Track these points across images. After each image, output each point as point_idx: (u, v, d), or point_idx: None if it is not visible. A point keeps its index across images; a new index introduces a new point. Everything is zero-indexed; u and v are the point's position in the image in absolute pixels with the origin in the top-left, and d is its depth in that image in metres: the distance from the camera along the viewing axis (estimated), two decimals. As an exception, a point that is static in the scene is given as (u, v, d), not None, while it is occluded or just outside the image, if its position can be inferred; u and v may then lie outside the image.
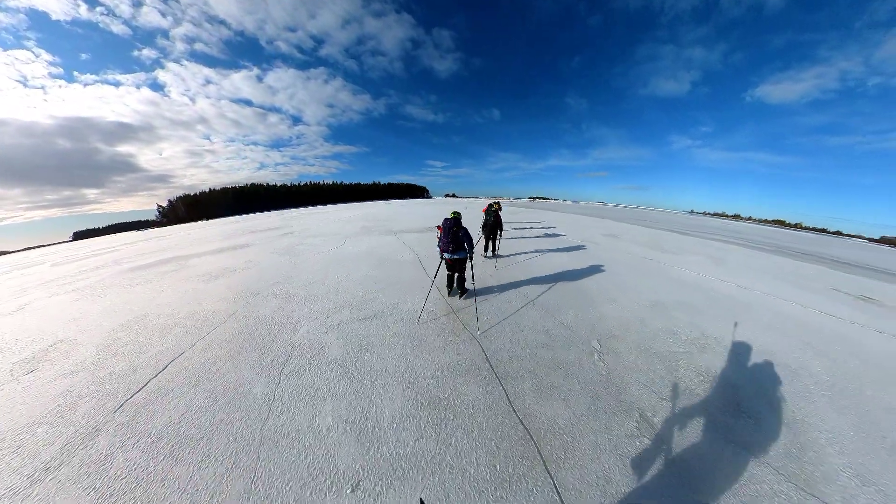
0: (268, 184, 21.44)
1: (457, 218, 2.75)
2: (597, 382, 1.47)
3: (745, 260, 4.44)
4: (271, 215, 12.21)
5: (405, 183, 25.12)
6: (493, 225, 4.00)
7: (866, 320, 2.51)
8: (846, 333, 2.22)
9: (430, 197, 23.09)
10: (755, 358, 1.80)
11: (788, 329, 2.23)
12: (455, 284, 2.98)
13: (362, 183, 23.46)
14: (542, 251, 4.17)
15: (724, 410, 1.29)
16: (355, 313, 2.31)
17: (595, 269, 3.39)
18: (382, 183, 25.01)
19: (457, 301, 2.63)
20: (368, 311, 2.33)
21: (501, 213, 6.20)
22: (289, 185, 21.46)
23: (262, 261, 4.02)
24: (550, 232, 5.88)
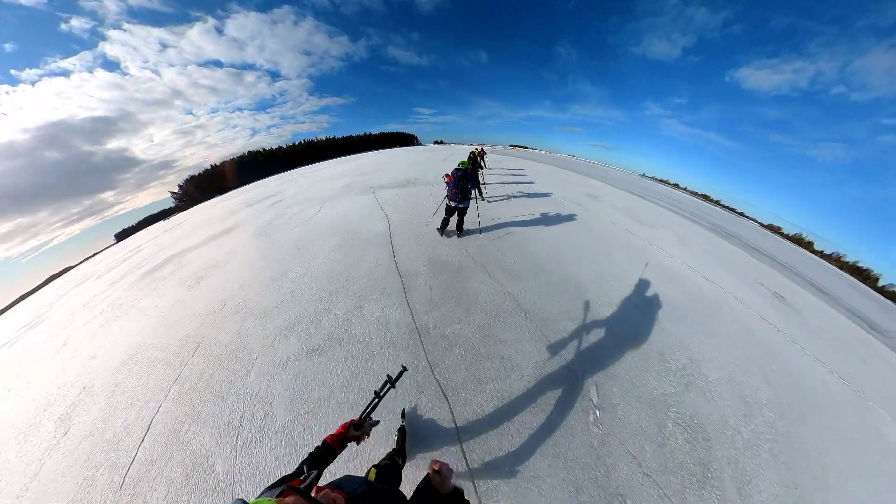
0: (264, 149, 20.20)
1: (465, 169, 2.91)
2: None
3: (703, 243, 4.62)
4: (270, 181, 11.82)
5: (395, 132, 23.08)
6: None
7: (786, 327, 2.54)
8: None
9: (420, 144, 21.45)
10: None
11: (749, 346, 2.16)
12: (452, 227, 3.32)
13: (353, 135, 21.44)
14: (531, 223, 3.73)
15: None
16: (305, 340, 1.93)
17: (594, 255, 3.07)
18: (373, 133, 22.80)
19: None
20: (318, 336, 1.94)
21: (485, 165, 5.23)
22: (284, 146, 20.30)
23: (240, 249, 3.74)
24: (534, 190, 5.46)
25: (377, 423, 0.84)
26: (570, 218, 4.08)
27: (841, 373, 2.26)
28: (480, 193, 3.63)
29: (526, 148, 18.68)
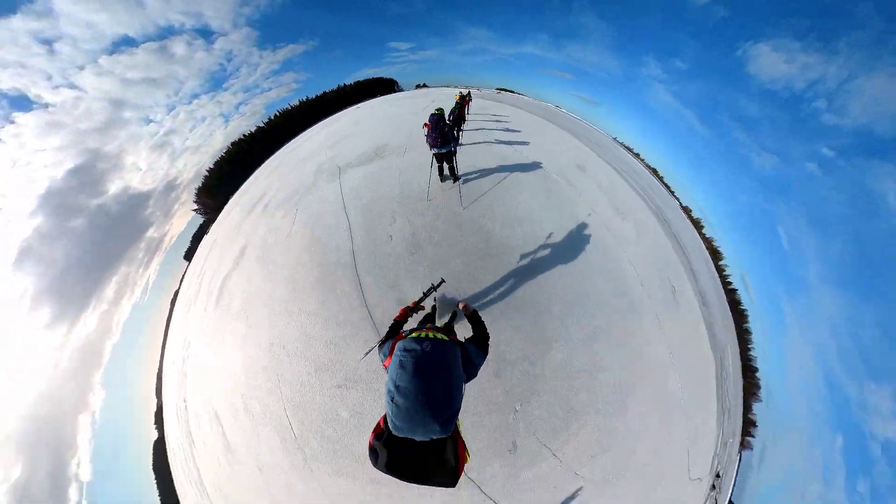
0: (244, 135, 17.05)
1: (441, 114, 3.14)
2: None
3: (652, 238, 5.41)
4: (259, 175, 10.36)
5: (371, 78, 19.76)
6: (454, 122, 3.45)
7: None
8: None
9: (401, 90, 19.09)
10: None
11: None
12: (447, 173, 3.66)
13: (328, 91, 18.09)
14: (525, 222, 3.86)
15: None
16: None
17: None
18: (348, 84, 19.41)
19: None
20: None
21: (468, 112, 5.24)
22: (262, 124, 17.26)
23: (213, 323, 4.09)
24: (526, 157, 5.19)
25: (423, 306, 1.75)
26: (564, 213, 4.22)
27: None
28: (455, 142, 3.42)
29: (513, 92, 17.03)
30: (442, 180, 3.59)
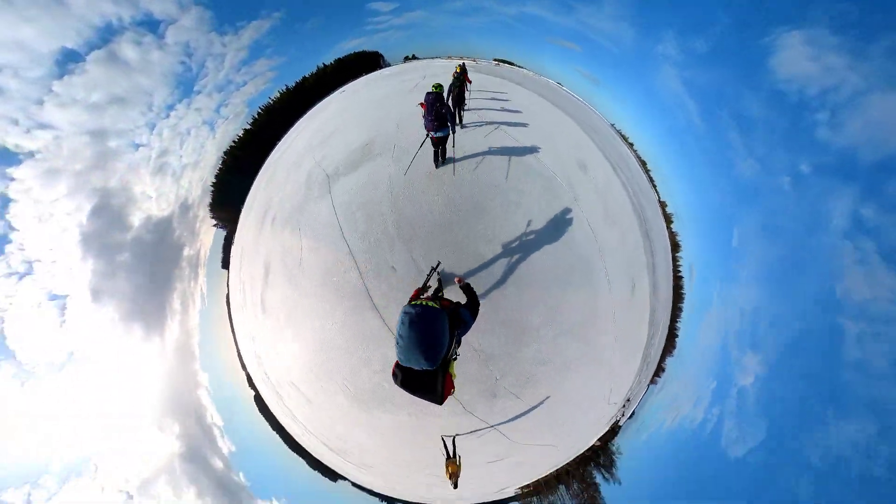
0: (234, 142, 15.38)
1: (439, 93, 2.98)
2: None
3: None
4: (257, 189, 10.06)
5: (354, 53, 16.91)
6: (454, 102, 3.17)
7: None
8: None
9: (388, 65, 16.85)
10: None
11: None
12: (441, 157, 3.72)
13: (307, 76, 16.11)
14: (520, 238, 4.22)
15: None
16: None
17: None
18: (329, 64, 17.02)
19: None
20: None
21: (469, 87, 4.86)
22: (248, 126, 15.35)
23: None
24: (522, 150, 5.05)
25: (430, 286, 2.61)
26: (552, 222, 4.43)
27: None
28: (459, 122, 3.41)
29: (512, 65, 15.10)
30: (437, 166, 3.53)
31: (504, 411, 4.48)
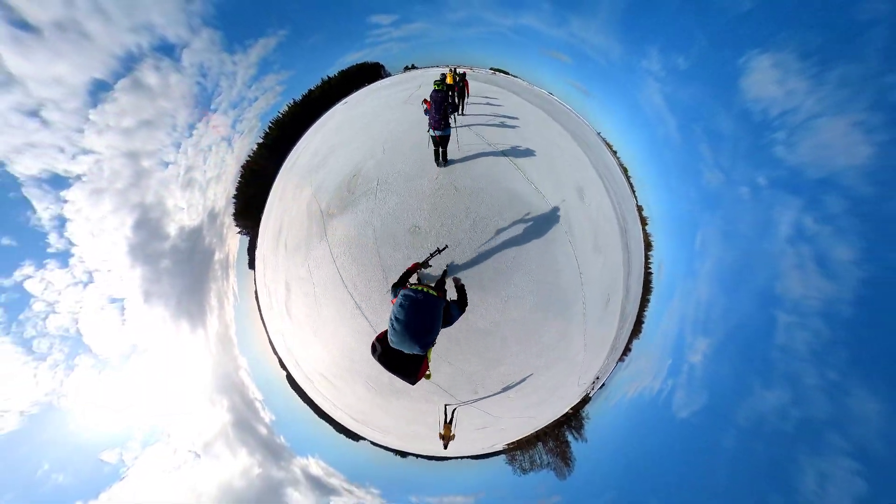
0: (249, 156, 15.45)
1: (444, 91, 2.81)
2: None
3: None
4: (271, 207, 9.97)
5: (356, 65, 16.38)
6: (446, 100, 2.85)
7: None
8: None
9: (389, 75, 16.47)
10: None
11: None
12: (443, 158, 3.64)
13: (312, 89, 15.70)
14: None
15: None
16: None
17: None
18: (333, 77, 16.51)
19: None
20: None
21: (468, 94, 4.81)
22: (261, 140, 15.45)
23: None
24: (523, 166, 4.91)
25: (430, 265, 2.25)
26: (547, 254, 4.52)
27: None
28: (460, 111, 3.34)
29: (507, 74, 14.64)
30: (438, 165, 3.46)
31: (491, 394, 5.04)
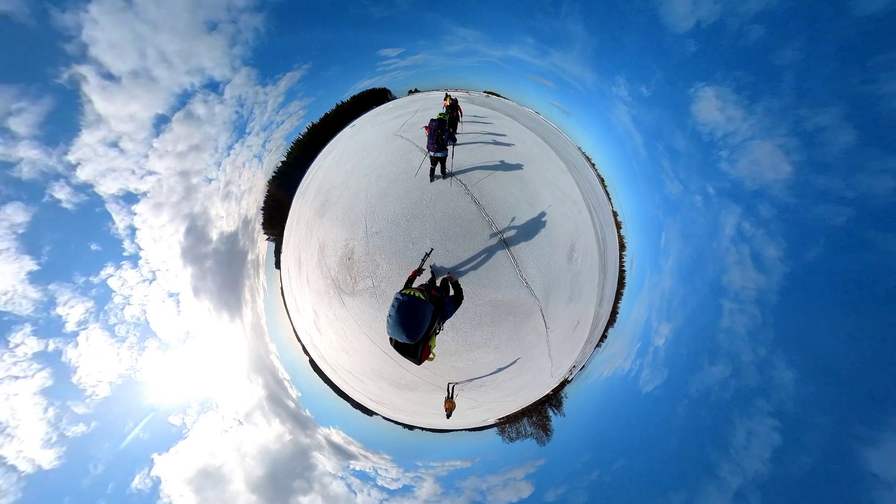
0: (275, 171, 15.92)
1: (442, 120, 2.92)
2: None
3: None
4: (289, 234, 9.20)
5: (366, 90, 16.26)
6: (441, 128, 2.88)
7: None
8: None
9: (394, 98, 16.37)
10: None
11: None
12: (441, 173, 3.74)
13: (328, 112, 15.62)
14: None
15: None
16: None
17: None
18: (345, 101, 16.36)
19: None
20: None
21: (461, 116, 4.66)
22: (284, 158, 15.90)
23: None
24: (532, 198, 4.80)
25: (424, 269, 2.21)
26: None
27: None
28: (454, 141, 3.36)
29: (499, 96, 14.40)
30: (431, 180, 3.56)
31: (479, 382, 5.28)
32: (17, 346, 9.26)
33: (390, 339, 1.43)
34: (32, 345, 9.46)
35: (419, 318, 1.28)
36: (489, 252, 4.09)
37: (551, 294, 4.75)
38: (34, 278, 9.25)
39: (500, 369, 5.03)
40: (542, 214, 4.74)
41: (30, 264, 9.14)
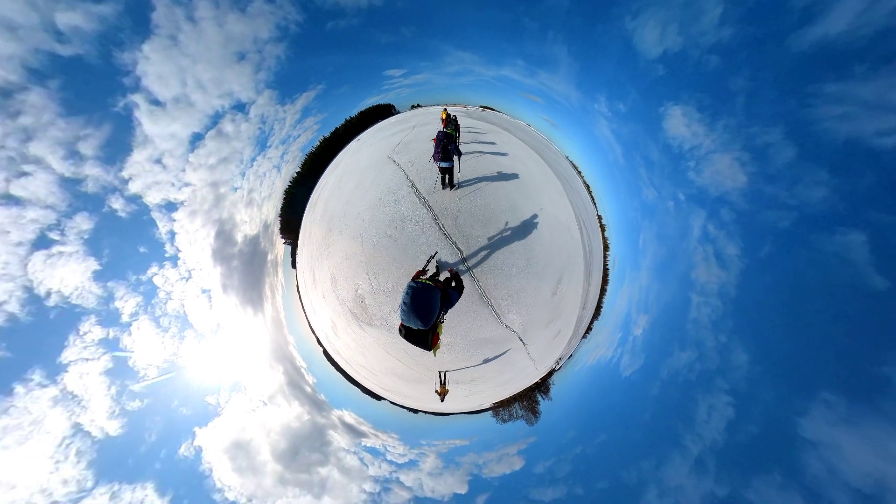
0: (291, 179, 16.17)
1: (449, 133, 2.91)
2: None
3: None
4: (301, 253, 8.74)
5: (373, 106, 16.17)
6: (448, 140, 2.88)
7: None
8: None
9: (398, 112, 16.27)
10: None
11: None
12: (449, 183, 3.72)
13: (338, 126, 15.56)
14: None
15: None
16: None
17: None
18: (354, 116, 16.26)
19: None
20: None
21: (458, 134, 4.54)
22: (299, 169, 16.18)
23: None
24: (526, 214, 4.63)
25: (428, 269, 2.21)
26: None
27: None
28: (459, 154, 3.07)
29: (494, 110, 14.28)
30: (443, 188, 3.52)
31: (470, 377, 5.22)
32: (86, 333, 10.23)
33: (400, 330, 1.42)
34: (97, 333, 10.43)
35: (431, 304, 1.27)
36: (475, 306, 3.98)
37: (530, 327, 4.68)
38: (97, 276, 10.33)
39: (486, 360, 5.01)
40: (536, 250, 4.53)
41: (94, 264, 10.20)
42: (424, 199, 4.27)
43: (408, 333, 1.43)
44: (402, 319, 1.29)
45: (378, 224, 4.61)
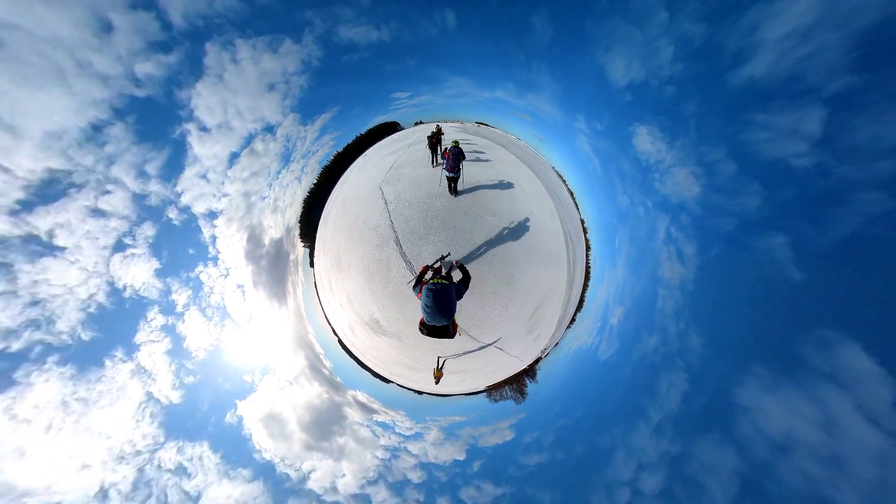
0: (310, 190, 16.60)
1: (459, 148, 3.11)
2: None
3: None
4: (318, 263, 8.76)
5: (380, 123, 16.36)
6: (461, 155, 3.14)
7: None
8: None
9: (402, 129, 16.46)
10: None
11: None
12: (454, 190, 3.92)
13: (349, 143, 15.75)
14: None
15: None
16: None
17: None
18: (363, 133, 16.41)
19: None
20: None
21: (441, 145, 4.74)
22: (316, 180, 16.72)
23: None
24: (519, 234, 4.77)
25: (439, 266, 2.23)
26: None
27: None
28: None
29: (488, 126, 14.30)
30: (451, 195, 3.75)
31: (468, 360, 5.42)
32: (152, 319, 11.54)
33: (421, 329, 1.45)
34: (160, 320, 11.74)
35: (451, 301, 1.35)
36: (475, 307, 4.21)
37: (508, 342, 4.90)
38: (158, 273, 11.60)
39: (481, 347, 5.11)
40: (527, 220, 4.66)
41: (156, 264, 11.47)
42: (404, 253, 4.43)
43: (431, 331, 1.50)
44: (427, 320, 1.37)
45: (380, 264, 4.78)
